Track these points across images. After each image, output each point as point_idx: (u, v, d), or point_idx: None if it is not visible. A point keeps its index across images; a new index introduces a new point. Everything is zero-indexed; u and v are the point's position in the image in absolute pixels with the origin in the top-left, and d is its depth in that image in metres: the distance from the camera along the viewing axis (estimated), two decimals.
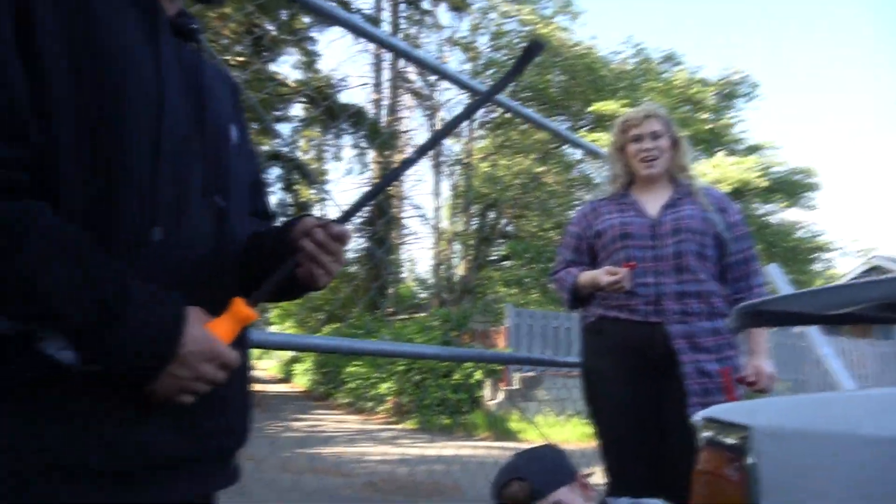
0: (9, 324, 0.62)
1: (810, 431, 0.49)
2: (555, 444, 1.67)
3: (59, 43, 0.69)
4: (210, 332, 0.73)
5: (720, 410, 0.58)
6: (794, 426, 0.51)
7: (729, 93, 16.21)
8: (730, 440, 0.54)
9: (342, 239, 0.85)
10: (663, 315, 1.92)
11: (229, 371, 0.76)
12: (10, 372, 0.65)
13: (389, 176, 0.95)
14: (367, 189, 0.91)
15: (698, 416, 0.62)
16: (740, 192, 13.79)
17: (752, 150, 15.50)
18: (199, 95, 0.85)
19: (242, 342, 0.89)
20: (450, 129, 0.99)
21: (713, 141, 15.15)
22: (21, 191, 0.66)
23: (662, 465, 1.89)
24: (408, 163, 0.93)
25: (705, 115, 15.12)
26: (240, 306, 0.76)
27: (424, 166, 16.82)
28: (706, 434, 0.58)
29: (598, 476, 2.10)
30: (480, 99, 1.01)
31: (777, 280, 1.74)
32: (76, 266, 0.65)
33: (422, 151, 0.94)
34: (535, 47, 0.93)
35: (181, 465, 0.76)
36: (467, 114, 0.94)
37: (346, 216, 0.87)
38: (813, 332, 1.96)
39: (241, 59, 10.58)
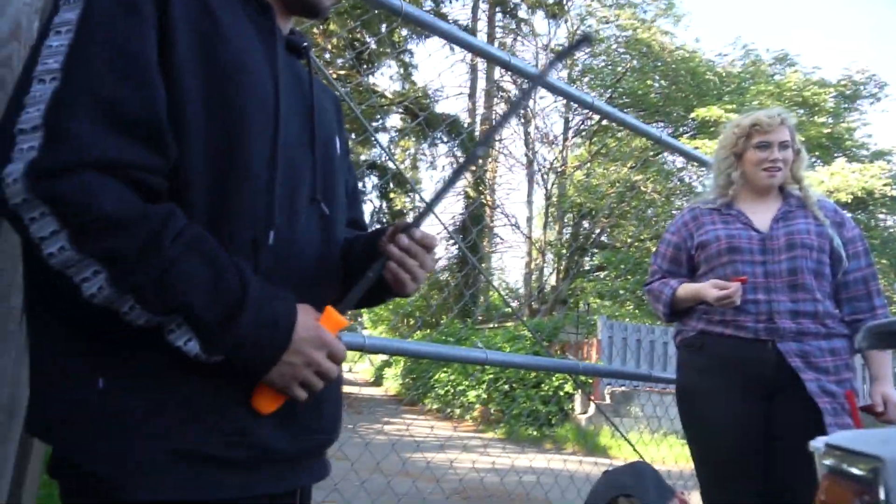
0: (146, 317, 0.68)
1: None
2: (649, 464, 1.62)
3: (193, 60, 0.75)
4: (318, 322, 0.77)
5: (845, 438, 0.53)
6: None
7: (851, 94, 14.94)
8: (857, 471, 0.50)
9: (427, 244, 0.86)
10: (776, 333, 1.80)
11: (337, 364, 0.79)
12: (141, 362, 0.71)
13: (457, 171, 0.95)
14: (440, 187, 0.92)
15: (818, 443, 0.57)
16: (863, 202, 12.66)
17: (878, 155, 14.16)
18: (310, 109, 0.90)
19: None
20: (510, 114, 1.01)
21: (832, 146, 14.02)
22: (162, 196, 0.72)
23: (773, 493, 1.77)
24: (473, 156, 0.95)
25: (823, 119, 14.02)
26: (331, 313, 0.80)
27: (518, 175, 16.75)
28: (828, 462, 0.54)
29: (696, 499, 1.99)
30: (533, 84, 1.06)
31: None
32: (208, 265, 0.70)
33: (485, 141, 0.96)
34: (584, 39, 0.98)
35: (285, 460, 0.80)
36: (523, 97, 0.96)
37: (419, 219, 0.88)
38: None
39: (342, 72, 11.04)
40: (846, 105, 14.88)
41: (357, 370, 18.96)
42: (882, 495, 0.47)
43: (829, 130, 13.76)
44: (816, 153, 13.64)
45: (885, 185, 12.04)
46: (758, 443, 1.80)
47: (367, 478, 2.57)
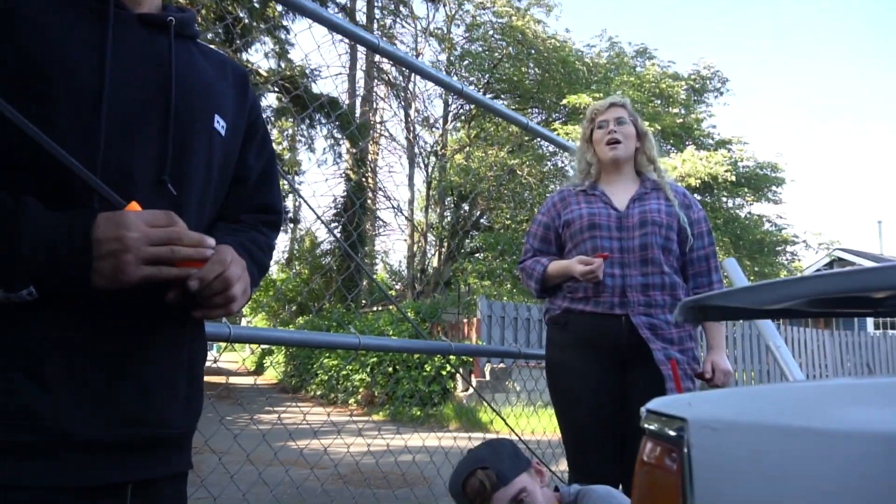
0: None
1: (740, 423, 0.51)
2: (507, 437, 1.73)
3: None
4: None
5: (659, 403, 0.60)
6: (726, 418, 0.53)
7: (699, 87, 16.42)
8: (668, 431, 0.56)
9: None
10: (628, 307, 1.94)
11: (177, 233, 0.74)
12: None
13: None
14: None
15: (643, 409, 0.63)
16: (709, 186, 14.02)
17: (721, 144, 15.72)
18: (167, 83, 0.83)
19: (197, 330, 0.88)
20: None
21: (683, 135, 15.35)
22: None
23: (624, 456, 1.93)
24: None
25: (676, 110, 15.30)
26: (135, 205, 0.74)
27: (399, 157, 16.72)
28: (648, 426, 0.60)
29: (564, 466, 2.13)
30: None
31: (733, 274, 1.80)
32: None
33: None
34: None
35: (100, 450, 0.75)
36: None
37: None
38: (765, 325, 2.02)
39: (212, 46, 10.36)
40: (695, 97, 16.34)
41: (230, 360, 18.16)
42: (686, 451, 0.53)
43: (681, 121, 15.05)
44: (671, 141, 14.88)
45: (726, 171, 13.40)
46: (614, 409, 1.95)
47: (241, 468, 2.48)
